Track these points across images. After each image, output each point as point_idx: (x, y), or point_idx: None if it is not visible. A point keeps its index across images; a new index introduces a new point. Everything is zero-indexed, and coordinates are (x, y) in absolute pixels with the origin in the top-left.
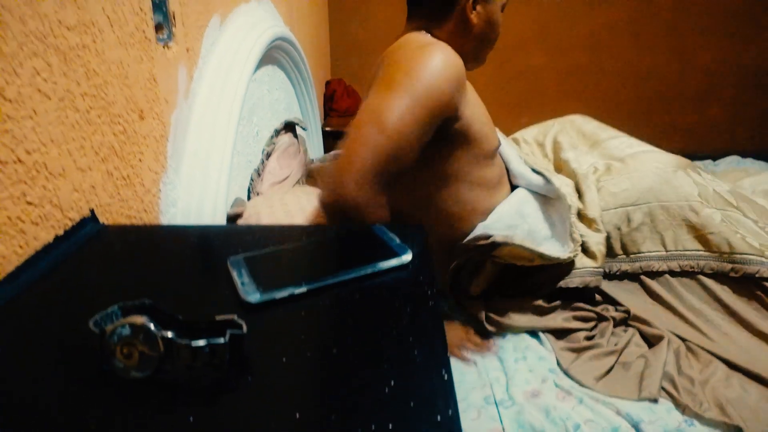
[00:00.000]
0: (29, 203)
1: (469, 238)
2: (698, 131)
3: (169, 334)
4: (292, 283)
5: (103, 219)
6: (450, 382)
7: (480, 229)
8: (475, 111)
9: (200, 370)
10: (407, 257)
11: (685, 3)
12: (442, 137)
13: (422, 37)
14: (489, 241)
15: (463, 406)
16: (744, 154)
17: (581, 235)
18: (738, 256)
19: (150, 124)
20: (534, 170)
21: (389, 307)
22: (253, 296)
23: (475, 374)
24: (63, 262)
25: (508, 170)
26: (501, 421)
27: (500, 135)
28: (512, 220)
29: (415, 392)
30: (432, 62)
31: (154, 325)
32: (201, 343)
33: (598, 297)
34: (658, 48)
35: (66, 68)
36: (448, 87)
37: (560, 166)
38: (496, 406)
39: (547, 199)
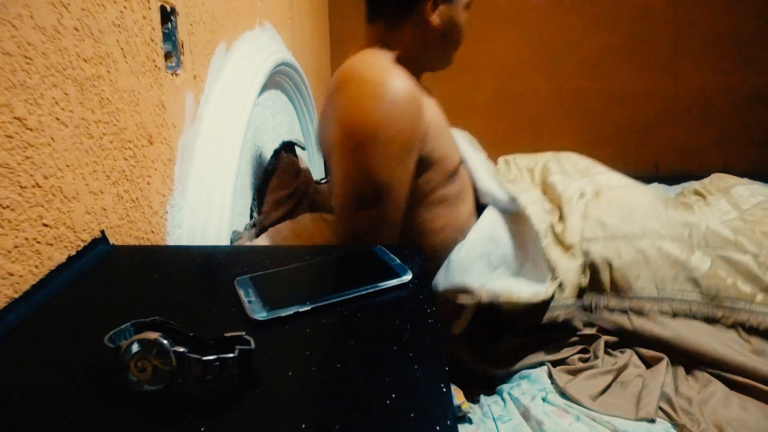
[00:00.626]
0: (45, 225)
1: (448, 287)
2: (693, 151)
3: (181, 349)
4: (297, 302)
5: (113, 240)
6: (448, 395)
7: (456, 269)
8: (437, 131)
9: (211, 384)
10: (407, 277)
11: (680, 28)
12: None
13: (373, 62)
14: (474, 302)
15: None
16: (738, 174)
17: (553, 262)
18: (729, 303)
19: (158, 148)
20: (500, 187)
21: (390, 324)
22: (260, 314)
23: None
24: (75, 281)
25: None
26: None
27: (466, 144)
28: (485, 247)
29: (415, 404)
30: (394, 100)
31: (167, 341)
32: (211, 357)
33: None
34: (654, 70)
35: (82, 97)
36: (417, 117)
37: (546, 190)
38: (494, 421)
39: (517, 218)
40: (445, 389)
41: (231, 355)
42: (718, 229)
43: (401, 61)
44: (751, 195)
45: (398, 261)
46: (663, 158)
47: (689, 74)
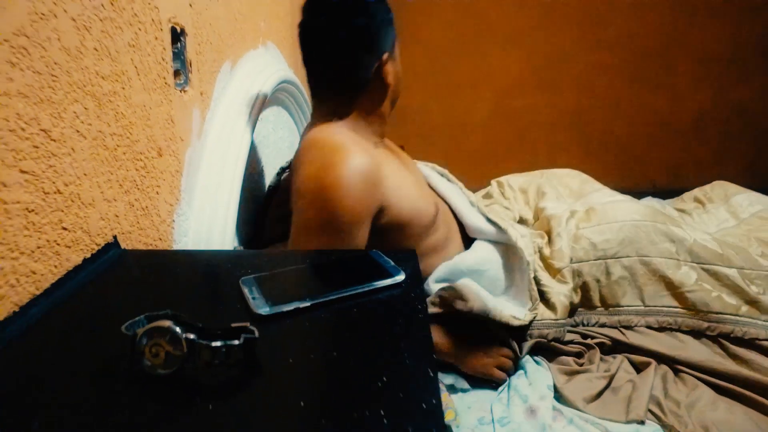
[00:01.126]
0: (64, 229)
1: (436, 291)
2: (688, 167)
3: (192, 336)
4: (298, 299)
5: (124, 245)
6: (435, 379)
7: (442, 270)
8: (401, 194)
9: (218, 369)
10: (400, 277)
11: (675, 46)
12: (374, 232)
13: (328, 139)
14: (467, 309)
15: (457, 428)
16: None
17: (544, 285)
18: (714, 315)
19: (167, 160)
20: (488, 219)
21: (383, 319)
22: (263, 309)
23: (475, 397)
24: (91, 282)
25: (461, 221)
26: None
27: (441, 180)
28: (476, 267)
29: (404, 386)
30: (346, 179)
31: (179, 328)
32: (218, 344)
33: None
34: (649, 88)
35: (99, 112)
36: (369, 193)
37: (538, 214)
38: (493, 425)
39: (508, 248)
40: (432, 374)
41: (236, 342)
42: (706, 243)
43: (358, 127)
44: (750, 204)
45: (392, 263)
46: (659, 174)
47: (685, 91)
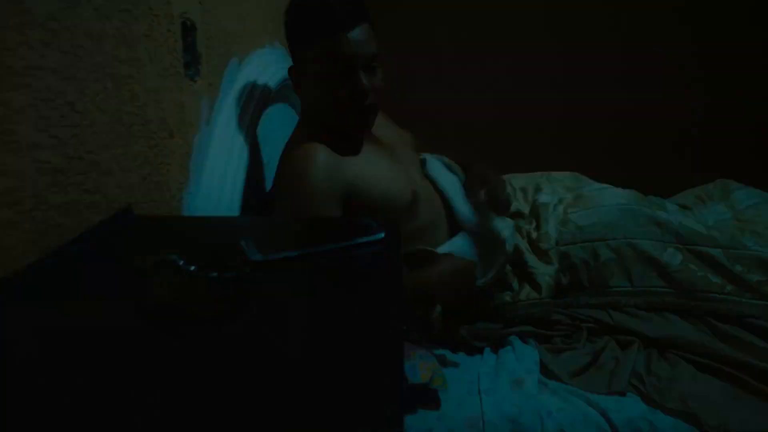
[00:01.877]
0: (85, 191)
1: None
2: (686, 173)
3: (192, 268)
4: (287, 250)
5: (137, 214)
6: (402, 306)
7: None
8: (370, 180)
9: (215, 300)
10: (381, 235)
11: (671, 55)
12: (350, 216)
13: (291, 142)
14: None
15: (445, 397)
16: None
17: (530, 267)
18: (700, 294)
19: (177, 142)
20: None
21: (363, 267)
22: (256, 256)
23: (464, 370)
24: (107, 239)
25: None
26: (481, 409)
27: (440, 169)
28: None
29: (373, 309)
30: (303, 166)
31: (182, 261)
32: (215, 274)
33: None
34: (646, 95)
35: (117, 92)
36: (329, 176)
37: (532, 210)
38: (479, 395)
39: (490, 239)
40: (399, 304)
41: (231, 274)
42: (691, 225)
43: (316, 125)
44: (747, 197)
45: (375, 225)
46: (660, 180)
47: (685, 96)
